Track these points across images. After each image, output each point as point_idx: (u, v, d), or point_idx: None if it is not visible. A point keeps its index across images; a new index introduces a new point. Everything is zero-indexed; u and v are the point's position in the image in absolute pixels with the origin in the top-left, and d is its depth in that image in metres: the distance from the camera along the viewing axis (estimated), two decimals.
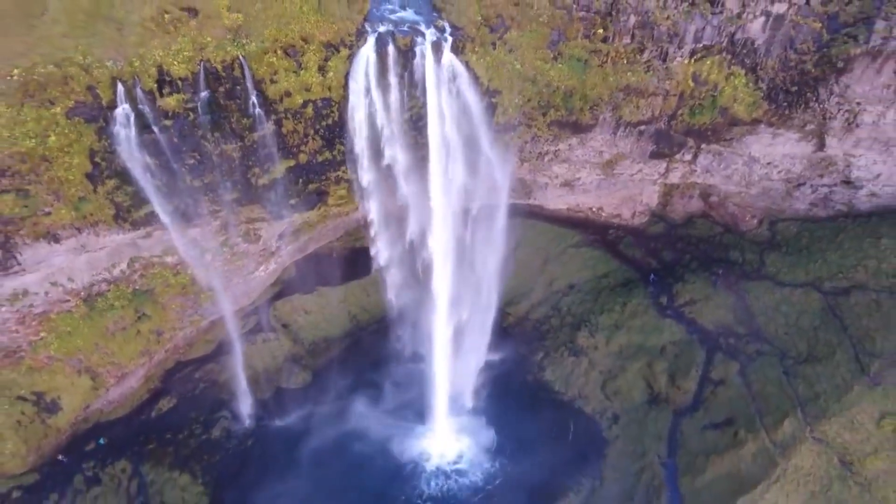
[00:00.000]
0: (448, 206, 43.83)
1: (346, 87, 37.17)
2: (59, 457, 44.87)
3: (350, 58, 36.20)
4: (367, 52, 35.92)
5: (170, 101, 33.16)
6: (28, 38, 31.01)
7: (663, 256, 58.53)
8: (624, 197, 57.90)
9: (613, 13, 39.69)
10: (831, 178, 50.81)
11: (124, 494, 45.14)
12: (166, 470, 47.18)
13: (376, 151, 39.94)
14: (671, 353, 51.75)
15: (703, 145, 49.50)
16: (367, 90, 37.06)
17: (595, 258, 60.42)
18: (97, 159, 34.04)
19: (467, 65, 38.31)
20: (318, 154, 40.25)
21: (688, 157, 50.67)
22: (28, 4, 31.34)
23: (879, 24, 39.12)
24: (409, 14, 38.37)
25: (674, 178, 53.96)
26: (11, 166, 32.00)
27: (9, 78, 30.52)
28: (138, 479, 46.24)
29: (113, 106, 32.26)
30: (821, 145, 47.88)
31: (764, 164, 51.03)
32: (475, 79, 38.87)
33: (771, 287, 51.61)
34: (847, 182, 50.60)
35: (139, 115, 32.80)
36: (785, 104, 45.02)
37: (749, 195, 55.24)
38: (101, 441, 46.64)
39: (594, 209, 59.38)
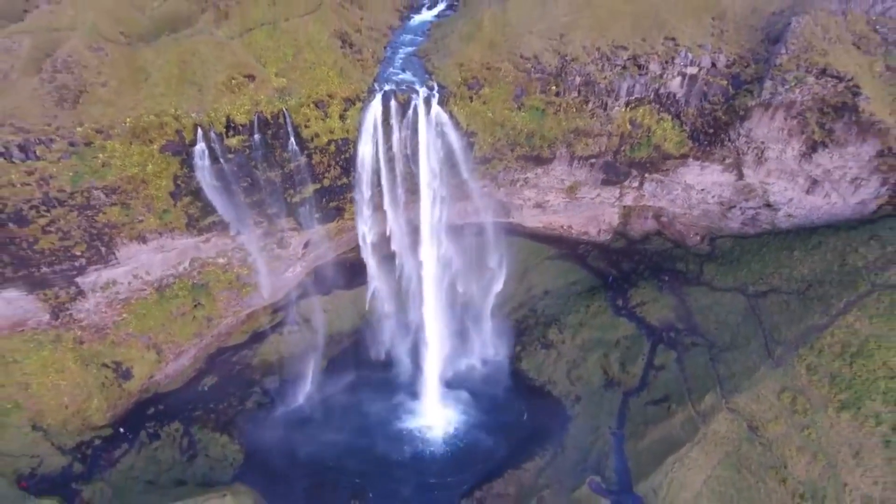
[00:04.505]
0: (435, 222, 55.41)
1: (359, 130, 49.37)
2: (120, 429, 56.06)
3: (362, 109, 48.57)
4: (376, 105, 47.97)
5: (233, 141, 45.59)
6: (137, 96, 43.98)
7: (622, 266, 69.66)
8: (589, 217, 69.40)
9: (563, 74, 51.77)
10: (755, 201, 61.68)
11: (177, 447, 56.61)
12: (210, 431, 58.71)
13: (379, 179, 51.86)
14: (623, 345, 62.36)
15: (647, 175, 60.95)
16: (375, 133, 49.20)
17: (567, 268, 71.78)
18: (178, 182, 46.66)
19: (451, 114, 50.40)
20: (338, 179, 52.49)
21: (635, 184, 62.10)
22: (137, 73, 44.51)
23: (768, 83, 50.69)
24: (407, 76, 50.96)
25: (627, 201, 65.30)
26: (120, 186, 44.76)
27: (123, 124, 43.42)
28: (188, 437, 57.73)
29: (193, 144, 44.61)
30: (740, 175, 59.10)
31: (699, 190, 62.24)
32: (457, 124, 50.95)
33: (707, 291, 62.34)
34: (768, 205, 61.35)
35: (211, 151, 45.05)
36: (706, 142, 56.53)
37: (692, 216, 66.34)
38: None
39: (565, 227, 70.83)
